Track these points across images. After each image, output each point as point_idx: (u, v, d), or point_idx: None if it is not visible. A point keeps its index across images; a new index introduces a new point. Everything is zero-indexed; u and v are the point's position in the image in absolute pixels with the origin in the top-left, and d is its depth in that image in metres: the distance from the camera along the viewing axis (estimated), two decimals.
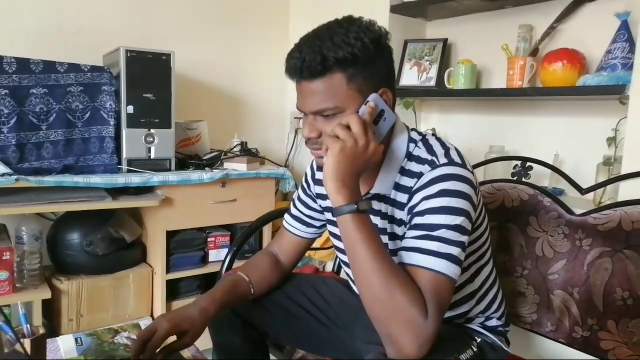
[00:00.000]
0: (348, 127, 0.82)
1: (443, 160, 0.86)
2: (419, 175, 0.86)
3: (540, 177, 1.53)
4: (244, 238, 1.61)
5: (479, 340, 0.95)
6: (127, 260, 1.79)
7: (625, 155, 1.27)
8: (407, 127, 0.96)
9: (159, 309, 1.80)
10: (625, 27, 1.34)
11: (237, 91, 2.41)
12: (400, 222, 0.91)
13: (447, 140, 0.92)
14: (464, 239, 0.82)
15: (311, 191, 1.14)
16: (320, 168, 1.11)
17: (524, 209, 1.31)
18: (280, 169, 2.01)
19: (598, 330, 1.12)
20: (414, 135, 0.94)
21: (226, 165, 1.91)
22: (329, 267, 2.23)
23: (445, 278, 0.78)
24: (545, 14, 1.59)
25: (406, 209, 0.88)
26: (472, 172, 0.87)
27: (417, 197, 0.85)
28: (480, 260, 0.98)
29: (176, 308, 0.97)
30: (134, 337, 1.05)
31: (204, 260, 1.91)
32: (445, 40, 1.87)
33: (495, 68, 1.77)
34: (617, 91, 1.28)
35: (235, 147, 2.04)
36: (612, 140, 1.41)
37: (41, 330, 0.85)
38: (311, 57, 0.82)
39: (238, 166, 1.88)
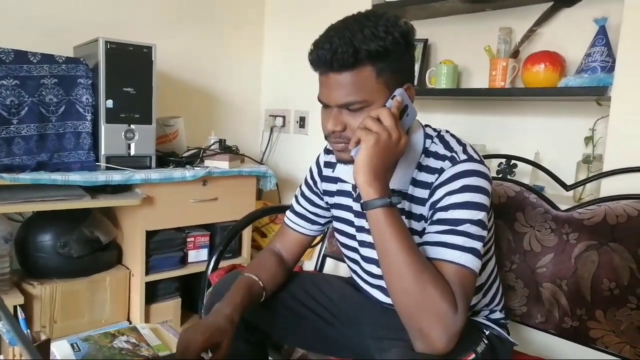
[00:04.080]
0: (378, 120, 0.82)
1: (463, 156, 0.87)
2: (440, 171, 0.87)
3: (520, 175, 1.59)
4: (230, 238, 1.58)
5: (487, 332, 0.97)
6: (103, 262, 1.72)
7: (607, 153, 1.33)
8: (421, 123, 0.97)
9: (137, 312, 1.73)
10: (603, 32, 1.41)
11: (211, 88, 2.36)
12: (420, 218, 0.91)
13: (461, 137, 0.94)
14: (484, 233, 0.83)
15: (317, 188, 1.12)
16: (329, 164, 1.10)
17: (511, 205, 1.35)
18: (262, 167, 1.98)
19: (587, 320, 1.17)
20: (429, 131, 0.95)
21: (207, 163, 1.86)
22: (307, 266, 2.22)
23: (470, 272, 0.80)
24: (523, 17, 1.65)
25: (427, 204, 0.89)
26: (488, 169, 0.89)
27: (439, 193, 0.85)
28: (487, 254, 1.01)
29: (199, 320, 0.92)
30: (134, 340, 1.00)
31: (183, 261, 1.86)
32: (425, 41, 1.91)
33: (474, 69, 1.82)
34: (598, 92, 1.34)
35: (213, 144, 1.99)
36: (589, 140, 1.48)
37: (43, 336, 0.79)
38: (343, 49, 0.80)
39: (220, 164, 1.84)
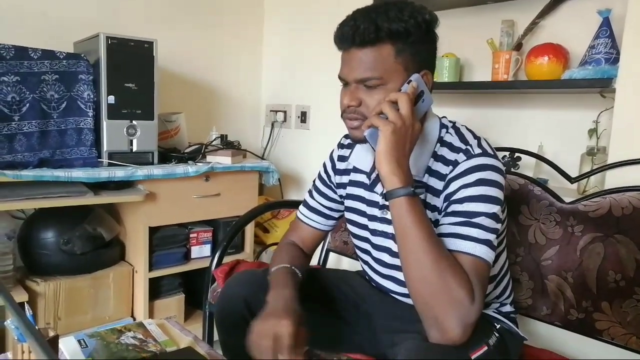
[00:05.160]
0: (394, 105, 0.83)
1: (477, 150, 0.87)
2: (454, 163, 0.87)
3: (524, 168, 1.58)
4: (233, 233, 1.58)
5: (498, 326, 0.97)
6: (106, 259, 1.71)
7: (612, 145, 1.33)
8: (436, 114, 0.97)
9: (141, 309, 1.73)
10: (607, 24, 1.40)
11: (212, 84, 2.35)
12: (434, 209, 0.91)
13: (475, 130, 0.94)
14: (498, 226, 0.84)
15: (332, 182, 1.13)
16: (342, 158, 1.11)
17: (515, 198, 1.35)
18: (264, 162, 1.98)
19: (593, 312, 1.17)
20: (445, 121, 0.96)
21: (209, 158, 1.86)
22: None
23: (484, 263, 0.80)
24: (526, 10, 1.64)
25: (442, 196, 0.89)
26: (502, 163, 0.89)
27: (454, 185, 0.86)
28: (499, 246, 1.01)
29: (267, 312, 0.88)
30: (140, 336, 1.00)
31: (187, 257, 1.85)
32: None
33: (477, 62, 1.81)
34: (602, 84, 1.34)
35: (214, 140, 1.99)
36: (593, 132, 1.47)
37: (51, 333, 0.79)
38: (365, 26, 0.83)
39: (222, 159, 1.83)
